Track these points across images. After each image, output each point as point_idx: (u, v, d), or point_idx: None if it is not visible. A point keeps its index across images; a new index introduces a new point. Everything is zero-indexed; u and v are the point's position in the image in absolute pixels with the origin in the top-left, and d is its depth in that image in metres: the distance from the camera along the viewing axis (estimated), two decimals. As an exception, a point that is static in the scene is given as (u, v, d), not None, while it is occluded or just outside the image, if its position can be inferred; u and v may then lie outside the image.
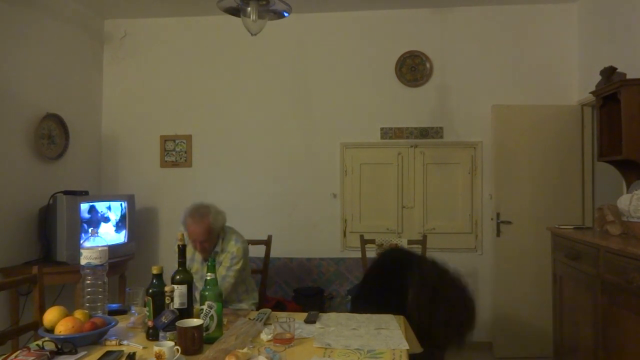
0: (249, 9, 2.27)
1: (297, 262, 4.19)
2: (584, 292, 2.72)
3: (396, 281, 2.34)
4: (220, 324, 1.81)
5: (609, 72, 3.00)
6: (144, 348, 1.71)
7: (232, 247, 2.67)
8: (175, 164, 4.40)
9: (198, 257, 2.75)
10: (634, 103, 2.75)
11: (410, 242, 3.60)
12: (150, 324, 1.80)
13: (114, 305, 2.23)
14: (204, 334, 1.73)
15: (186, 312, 1.83)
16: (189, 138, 4.39)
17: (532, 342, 3.83)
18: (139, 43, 4.45)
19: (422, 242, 3.58)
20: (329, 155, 4.25)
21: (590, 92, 3.23)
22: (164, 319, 1.72)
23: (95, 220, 3.64)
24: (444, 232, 4.04)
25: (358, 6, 4.16)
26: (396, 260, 2.64)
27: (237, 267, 2.65)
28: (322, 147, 4.26)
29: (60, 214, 3.37)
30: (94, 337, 1.74)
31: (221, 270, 2.60)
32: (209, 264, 1.87)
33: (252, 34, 2.35)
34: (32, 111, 3.54)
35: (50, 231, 3.42)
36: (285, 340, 1.75)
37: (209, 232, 2.56)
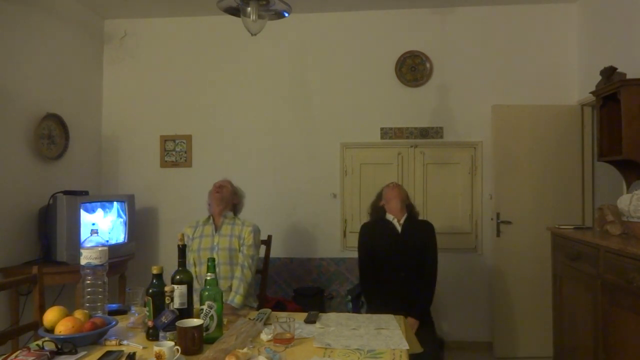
0: (248, 9, 2.27)
1: (297, 262, 4.19)
2: (584, 292, 2.72)
3: None
4: (220, 324, 1.81)
5: (609, 72, 3.00)
6: (144, 348, 1.71)
7: (249, 235, 2.90)
8: (175, 164, 4.40)
9: (207, 231, 2.90)
10: (634, 103, 2.75)
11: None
12: (150, 324, 1.80)
13: (114, 305, 2.23)
14: (204, 334, 1.73)
15: (186, 312, 1.83)
16: (189, 138, 4.39)
17: (532, 342, 3.83)
18: (139, 43, 4.45)
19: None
20: (329, 155, 4.25)
21: (590, 92, 3.23)
22: (164, 319, 1.72)
23: (95, 220, 3.64)
24: (444, 232, 4.01)
25: (358, 6, 4.16)
26: None
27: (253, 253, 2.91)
28: (322, 147, 4.26)
29: (60, 214, 3.36)
30: (94, 337, 1.74)
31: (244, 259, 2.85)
32: (209, 264, 1.87)
33: (252, 34, 2.35)
34: (32, 111, 3.54)
35: (50, 231, 3.41)
36: (285, 340, 1.75)
37: (231, 186, 3.05)
